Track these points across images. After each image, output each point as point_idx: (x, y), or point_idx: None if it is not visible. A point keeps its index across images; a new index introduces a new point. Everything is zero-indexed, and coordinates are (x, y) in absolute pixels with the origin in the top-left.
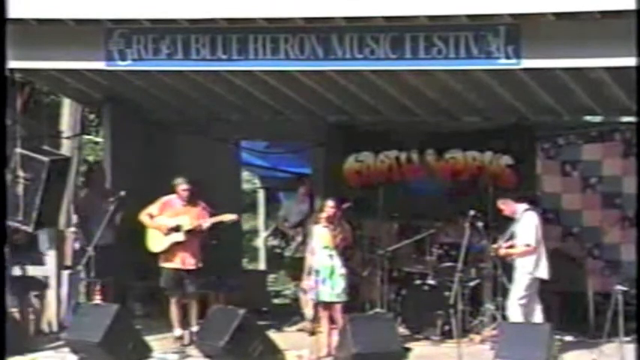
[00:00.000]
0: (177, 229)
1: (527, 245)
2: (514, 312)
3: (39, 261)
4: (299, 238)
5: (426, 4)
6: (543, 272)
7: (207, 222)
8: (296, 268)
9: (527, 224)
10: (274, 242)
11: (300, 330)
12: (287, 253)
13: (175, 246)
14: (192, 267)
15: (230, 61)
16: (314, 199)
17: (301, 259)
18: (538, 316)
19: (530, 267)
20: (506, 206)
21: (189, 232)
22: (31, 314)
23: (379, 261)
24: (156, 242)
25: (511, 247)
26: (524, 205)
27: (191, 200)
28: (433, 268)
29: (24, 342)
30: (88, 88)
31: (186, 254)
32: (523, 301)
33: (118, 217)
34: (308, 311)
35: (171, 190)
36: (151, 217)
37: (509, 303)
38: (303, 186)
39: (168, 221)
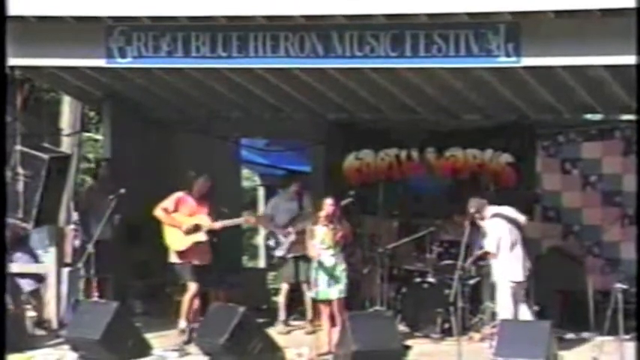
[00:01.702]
0: (197, 228)
1: (487, 253)
2: (504, 316)
3: (31, 259)
4: (291, 237)
5: (426, 2)
6: (517, 275)
7: (222, 224)
8: (286, 268)
9: (489, 231)
10: (269, 242)
11: (281, 333)
12: (278, 254)
13: (195, 244)
14: (208, 262)
15: (230, 59)
16: (302, 198)
17: (294, 259)
18: (527, 317)
19: (501, 272)
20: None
21: (209, 231)
22: (31, 311)
23: (379, 259)
24: (176, 240)
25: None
26: (492, 210)
27: (204, 198)
28: (433, 266)
29: (22, 339)
30: (88, 85)
31: (203, 251)
32: (510, 305)
33: (116, 215)
34: (283, 315)
35: (184, 186)
36: (167, 211)
37: (497, 308)
38: (296, 184)
39: (187, 220)
